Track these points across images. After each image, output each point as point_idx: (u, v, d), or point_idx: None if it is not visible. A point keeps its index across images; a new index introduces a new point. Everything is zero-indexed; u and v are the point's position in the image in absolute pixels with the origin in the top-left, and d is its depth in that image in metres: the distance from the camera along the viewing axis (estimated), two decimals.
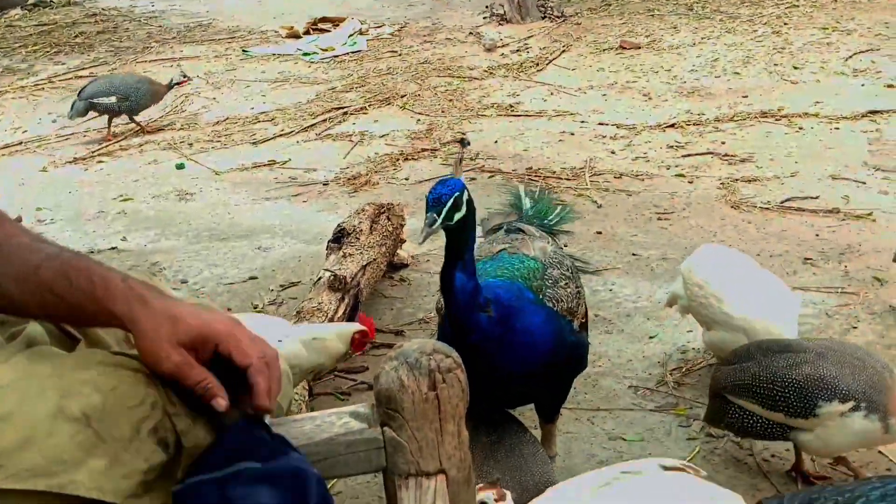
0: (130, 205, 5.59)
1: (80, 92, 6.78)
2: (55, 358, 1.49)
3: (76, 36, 10.13)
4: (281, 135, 6.64)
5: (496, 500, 2.02)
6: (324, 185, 5.69)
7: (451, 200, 2.20)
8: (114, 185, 5.92)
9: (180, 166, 6.13)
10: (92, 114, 6.82)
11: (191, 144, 6.57)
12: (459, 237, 2.26)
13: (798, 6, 8.39)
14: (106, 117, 6.82)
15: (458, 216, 2.22)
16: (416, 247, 4.54)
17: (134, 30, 10.30)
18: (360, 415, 1.70)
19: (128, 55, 9.16)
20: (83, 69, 8.77)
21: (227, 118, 7.11)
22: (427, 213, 2.20)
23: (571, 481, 2.41)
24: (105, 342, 1.69)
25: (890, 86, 6.36)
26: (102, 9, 11.33)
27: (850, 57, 6.98)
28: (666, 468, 2.31)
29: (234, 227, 5.15)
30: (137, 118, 6.88)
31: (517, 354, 2.39)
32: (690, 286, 3.24)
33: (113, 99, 6.59)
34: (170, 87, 6.93)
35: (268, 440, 1.51)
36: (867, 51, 7.08)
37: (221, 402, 1.50)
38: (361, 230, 4.12)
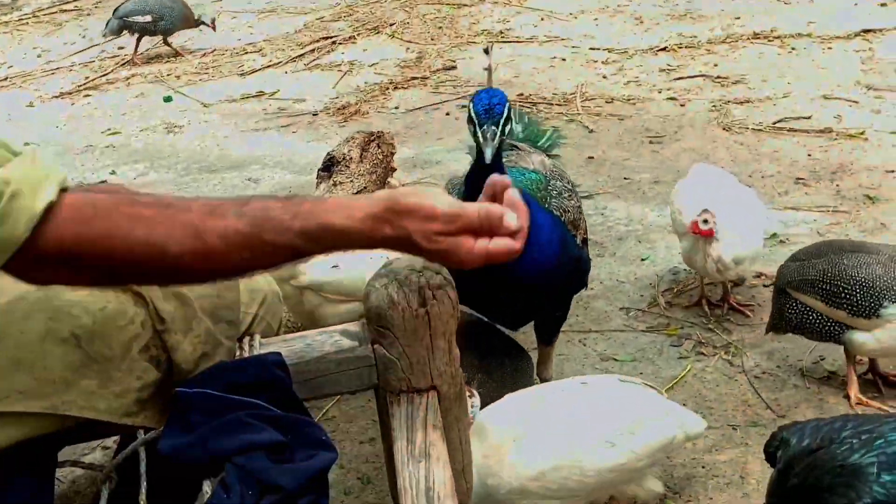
0: (118, 138, 5.55)
1: (115, 10, 6.75)
2: None
3: None
4: (269, 66, 6.56)
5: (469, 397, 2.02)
6: (313, 115, 5.64)
7: (506, 111, 2.05)
8: (101, 119, 5.88)
9: (168, 99, 6.07)
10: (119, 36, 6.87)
11: (178, 77, 6.50)
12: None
13: None
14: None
15: (508, 127, 2.09)
16: (406, 174, 4.52)
17: None
18: (351, 333, 1.70)
19: None
20: (67, 2, 8.65)
21: (214, 50, 7.02)
22: (481, 127, 2.02)
23: (530, 388, 2.45)
24: None
25: (883, 4, 6.24)
26: None
27: None
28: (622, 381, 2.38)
29: (223, 159, 5.12)
30: (171, 40, 6.93)
31: (528, 257, 2.25)
32: (670, 203, 3.36)
33: (148, 18, 6.59)
34: (197, 22, 6.85)
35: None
36: None
37: None
38: (351, 158, 4.08)
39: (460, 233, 1.24)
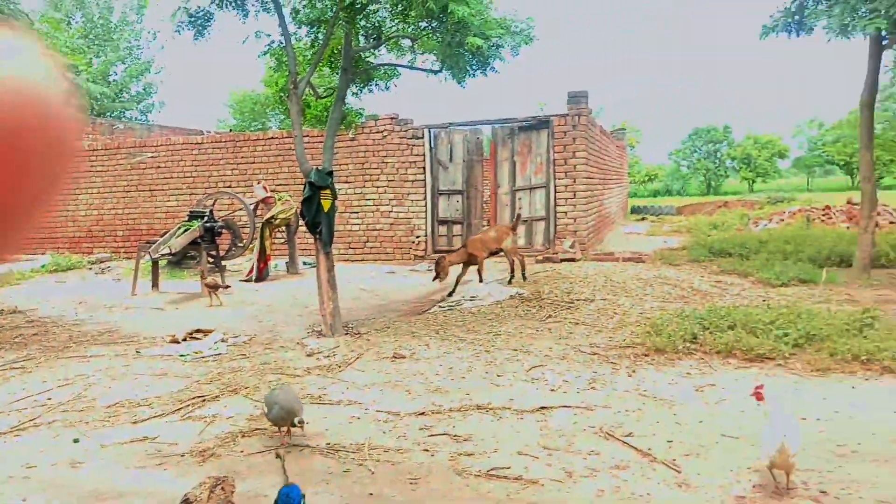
0: None
1: None
2: None
3: (16, 337, 9.21)
4: (154, 416, 6.08)
5: None
6: (181, 456, 5.17)
7: (301, 500, 2.04)
8: None
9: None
10: None
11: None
12: None
13: (500, 335, 8.77)
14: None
15: None
16: None
17: (59, 333, 9.50)
18: None
19: (53, 352, 8.36)
20: (17, 363, 7.89)
21: (117, 402, 6.46)
22: None
23: None
24: None
25: (553, 390, 6.59)
26: (39, 317, 10.45)
27: (530, 370, 7.23)
28: None
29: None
30: None
31: None
32: None
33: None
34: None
35: None
36: (539, 366, 7.34)
37: None
38: (201, 499, 3.71)
39: None
